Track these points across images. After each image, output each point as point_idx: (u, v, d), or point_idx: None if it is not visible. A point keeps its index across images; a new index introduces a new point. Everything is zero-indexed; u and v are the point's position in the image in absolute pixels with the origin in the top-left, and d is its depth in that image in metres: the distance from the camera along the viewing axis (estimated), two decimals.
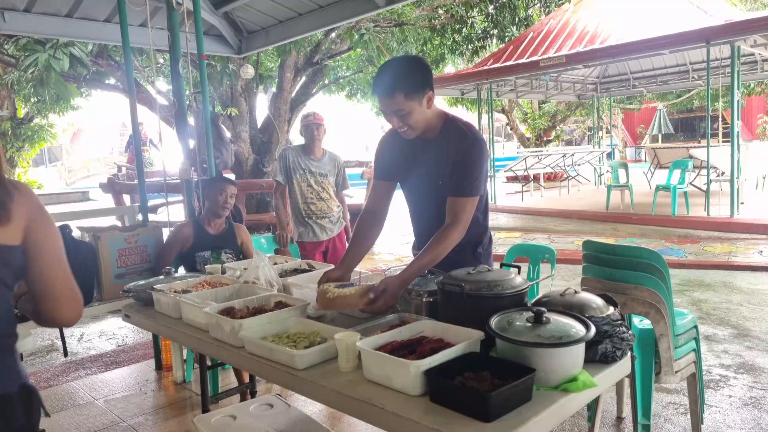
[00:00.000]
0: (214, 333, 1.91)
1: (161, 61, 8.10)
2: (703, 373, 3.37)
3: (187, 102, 3.81)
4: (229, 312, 1.95)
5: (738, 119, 8.43)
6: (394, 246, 7.69)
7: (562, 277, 5.68)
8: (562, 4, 10.93)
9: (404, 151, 2.14)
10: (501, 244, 7.80)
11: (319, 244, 3.92)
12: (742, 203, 8.66)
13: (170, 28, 3.53)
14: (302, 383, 1.60)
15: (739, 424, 2.79)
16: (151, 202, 7.18)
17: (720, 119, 20.63)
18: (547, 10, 11.47)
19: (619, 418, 2.92)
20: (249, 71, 6.40)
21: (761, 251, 6.50)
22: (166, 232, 3.29)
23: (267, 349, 1.72)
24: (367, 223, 2.22)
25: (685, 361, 2.52)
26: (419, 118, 1.98)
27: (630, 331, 1.62)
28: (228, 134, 4.44)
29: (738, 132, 8.36)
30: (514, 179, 14.98)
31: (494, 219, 10.22)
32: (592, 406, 2.56)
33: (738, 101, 8.36)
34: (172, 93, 3.93)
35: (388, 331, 1.71)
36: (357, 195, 8.76)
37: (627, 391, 2.83)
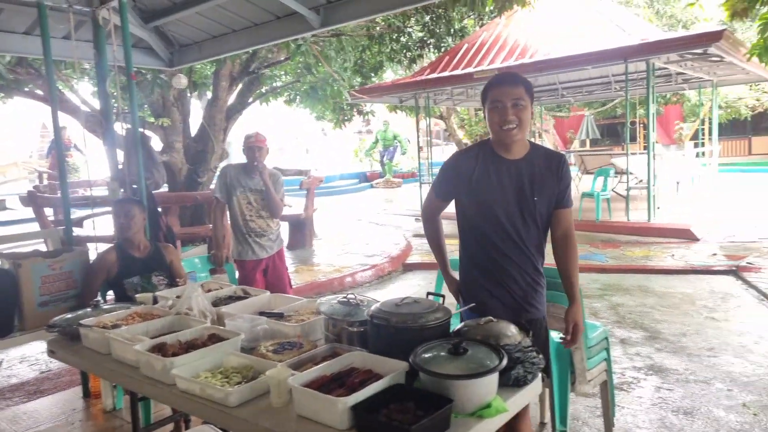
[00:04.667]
0: (145, 371, 1.92)
1: (86, 66, 7.76)
2: (618, 375, 3.66)
3: (114, 118, 3.71)
4: (161, 348, 1.96)
5: (653, 130, 9.07)
6: (334, 257, 7.73)
7: None
8: (494, 17, 11.34)
9: (486, 167, 2.14)
10: None
11: (259, 262, 3.92)
12: (658, 208, 9.32)
13: (96, 46, 3.44)
14: (235, 421, 1.65)
15: (647, 424, 3.06)
16: (76, 214, 6.87)
17: (642, 126, 22.04)
18: (481, 22, 11.87)
19: (542, 424, 3.12)
20: (182, 81, 6.26)
21: (673, 255, 7.04)
22: (94, 247, 3.20)
23: (198, 386, 1.75)
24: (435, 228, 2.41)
25: (597, 370, 2.75)
26: (527, 119, 2.07)
27: (540, 356, 1.78)
28: (158, 156, 4.34)
29: (653, 142, 9.00)
30: None
31: None
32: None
33: (653, 114, 9.01)
34: (100, 110, 3.82)
35: (320, 362, 1.79)
36: (296, 205, 8.75)
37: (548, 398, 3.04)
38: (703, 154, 13.30)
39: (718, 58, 9.00)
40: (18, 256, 2.98)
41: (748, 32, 16.01)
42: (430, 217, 2.38)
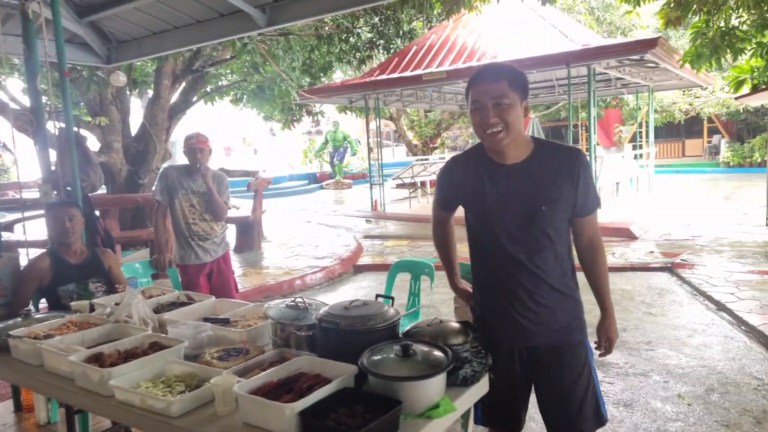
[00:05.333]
0: (81, 382, 1.81)
1: (16, 61, 7.32)
2: None
3: (46, 117, 3.51)
4: (98, 358, 1.86)
5: (594, 133, 9.45)
6: (283, 259, 7.62)
7: (445, 284, 5.98)
8: (443, 20, 11.50)
9: (480, 176, 1.86)
10: (389, 252, 8.05)
11: (202, 266, 3.80)
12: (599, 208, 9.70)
13: (26, 40, 3.24)
14: (178, 431, 1.58)
15: None
16: (5, 218, 6.46)
17: (584, 128, 22.94)
18: (429, 25, 12.01)
19: None
20: (120, 79, 5.99)
21: (614, 253, 7.34)
22: (25, 252, 3.02)
23: (138, 397, 1.67)
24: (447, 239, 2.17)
25: None
26: (516, 120, 1.74)
27: (488, 355, 1.80)
28: (95, 157, 4.15)
29: (595, 144, 9.37)
30: (402, 186, 15.48)
31: (383, 227, 10.50)
32: (466, 414, 2.77)
33: (594, 117, 9.39)
34: (30, 108, 3.61)
35: (268, 368, 1.75)
36: (244, 206, 8.57)
37: None
38: (641, 156, 13.96)
39: (653, 64, 9.48)
40: None
41: (681, 40, 16.95)
42: (437, 225, 2.13)
